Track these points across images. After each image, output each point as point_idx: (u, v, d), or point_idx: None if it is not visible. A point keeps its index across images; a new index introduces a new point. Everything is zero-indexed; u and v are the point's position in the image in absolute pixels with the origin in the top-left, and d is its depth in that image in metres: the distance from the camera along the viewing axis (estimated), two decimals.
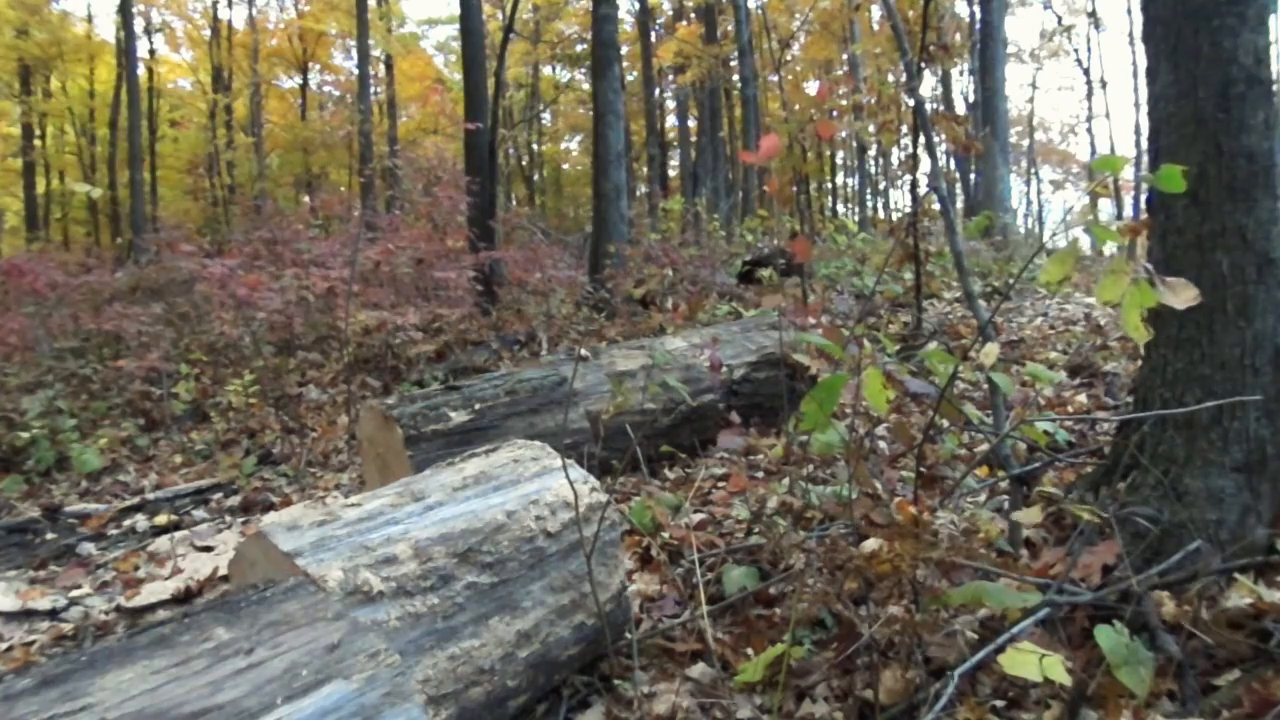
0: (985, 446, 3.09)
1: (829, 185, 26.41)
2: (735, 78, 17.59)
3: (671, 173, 24.41)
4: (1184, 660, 1.53)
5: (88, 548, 3.27)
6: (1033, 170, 26.75)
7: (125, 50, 16.03)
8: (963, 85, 21.05)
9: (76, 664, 1.09)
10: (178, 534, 3.21)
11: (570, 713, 1.80)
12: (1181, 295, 1.34)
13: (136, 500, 3.88)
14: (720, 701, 1.72)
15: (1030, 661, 1.29)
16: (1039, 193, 28.74)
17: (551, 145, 28.56)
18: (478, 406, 3.03)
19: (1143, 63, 2.13)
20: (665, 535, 2.48)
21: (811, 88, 21.99)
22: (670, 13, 21.91)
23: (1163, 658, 1.52)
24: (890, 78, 15.03)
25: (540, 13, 21.82)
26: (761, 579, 2.16)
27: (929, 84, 18.23)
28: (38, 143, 21.27)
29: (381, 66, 20.93)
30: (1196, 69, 1.94)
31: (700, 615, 1.87)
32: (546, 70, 26.42)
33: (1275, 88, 1.95)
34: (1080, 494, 2.17)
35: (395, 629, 1.44)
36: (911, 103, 4.04)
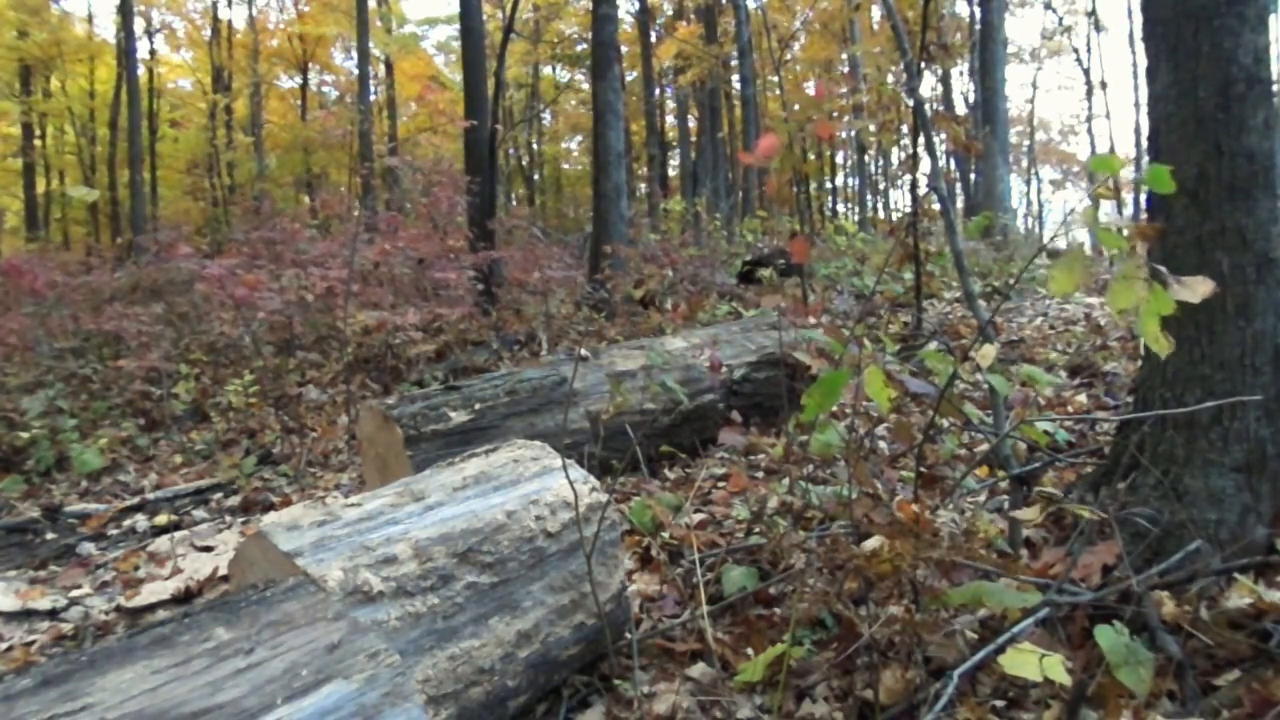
0: (985, 446, 3.09)
1: (829, 185, 26.42)
2: (735, 78, 17.60)
3: (671, 173, 24.41)
4: (1184, 660, 1.53)
5: (88, 548, 3.27)
6: (1033, 170, 26.75)
7: (125, 50, 16.03)
8: (963, 85, 21.07)
9: (76, 664, 1.09)
10: (178, 534, 3.21)
11: (570, 713, 1.80)
12: (1198, 291, 1.32)
13: (136, 500, 3.88)
14: (720, 701, 1.72)
15: (1030, 661, 1.29)
16: (1039, 193, 28.73)
17: (551, 145, 28.56)
18: (478, 406, 3.03)
19: (1143, 63, 2.12)
20: (665, 535, 2.48)
21: (811, 88, 22.00)
22: (670, 13, 21.90)
23: (1163, 658, 1.52)
24: (890, 78, 15.03)
25: (540, 13, 21.80)
26: (761, 579, 2.16)
27: (929, 84, 18.24)
28: (38, 143, 21.25)
29: (381, 67, 20.93)
30: (1196, 69, 1.94)
31: (700, 615, 1.87)
32: (546, 70, 26.42)
33: (1275, 88, 1.95)
34: (1080, 494, 2.17)
35: (395, 629, 1.44)
36: (911, 103, 4.04)
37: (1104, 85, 22.33)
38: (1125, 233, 1.42)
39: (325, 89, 25.33)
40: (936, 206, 3.99)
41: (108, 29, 25.03)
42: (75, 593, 2.74)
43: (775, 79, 18.16)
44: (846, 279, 7.36)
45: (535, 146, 27.45)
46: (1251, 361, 1.90)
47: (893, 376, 1.84)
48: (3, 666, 2.24)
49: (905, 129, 5.17)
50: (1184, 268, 1.88)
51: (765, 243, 9.74)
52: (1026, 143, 25.92)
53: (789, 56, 20.82)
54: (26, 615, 2.54)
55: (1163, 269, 1.35)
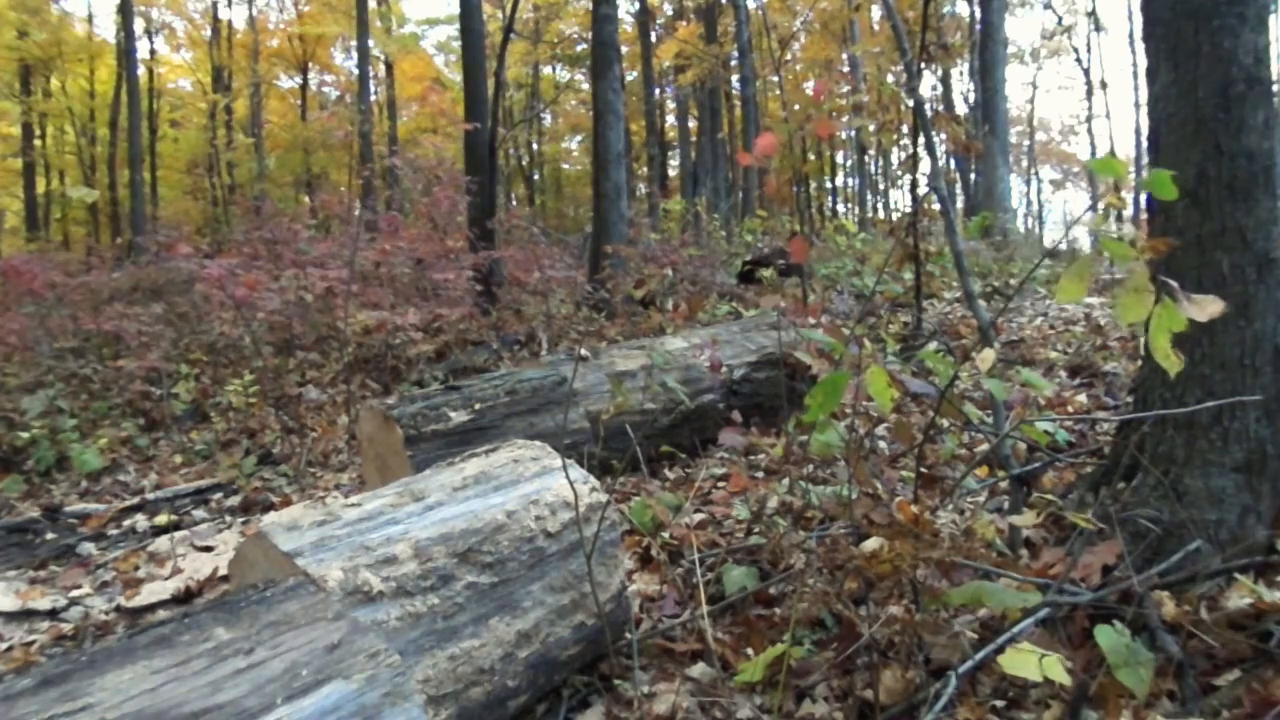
0: (985, 446, 3.09)
1: (829, 185, 26.43)
2: (735, 78, 17.61)
3: (671, 173, 24.42)
4: (1184, 660, 1.53)
5: (88, 548, 3.27)
6: (1033, 170, 26.78)
7: (125, 51, 16.02)
8: (963, 85, 21.09)
9: (76, 664, 1.09)
10: (178, 534, 3.21)
11: (570, 713, 1.80)
12: (1207, 309, 1.31)
13: (136, 500, 3.88)
14: (720, 701, 1.72)
15: (1030, 661, 1.29)
16: (1039, 193, 28.78)
17: (551, 145, 28.56)
18: (478, 406, 3.03)
19: (1143, 63, 2.12)
20: (665, 535, 2.48)
21: (811, 88, 21.99)
22: (670, 13, 21.91)
23: (1163, 658, 1.52)
24: (890, 78, 15.04)
25: (540, 13, 21.81)
26: (761, 579, 2.16)
27: (929, 84, 18.25)
28: (38, 143, 21.26)
29: (381, 67, 20.94)
30: (1196, 69, 1.94)
31: (700, 615, 1.87)
32: (546, 70, 26.43)
33: (1275, 88, 1.95)
34: (1080, 494, 2.17)
35: (395, 629, 1.44)
36: (911, 103, 4.04)
37: (1104, 85, 22.35)
38: (1133, 240, 1.41)
39: (325, 89, 25.36)
40: (936, 206, 3.99)
41: (108, 29, 25.08)
42: (75, 593, 2.74)
43: (775, 79, 18.17)
44: (846, 279, 7.35)
45: (535, 146, 27.46)
46: (1251, 361, 1.90)
47: (893, 377, 1.83)
48: (3, 666, 2.24)
49: (905, 129, 5.17)
50: (1184, 268, 1.89)
51: (765, 243, 9.74)
52: (1026, 143, 25.95)
53: (789, 56, 20.83)
54: (26, 615, 2.54)
55: (1173, 284, 1.33)
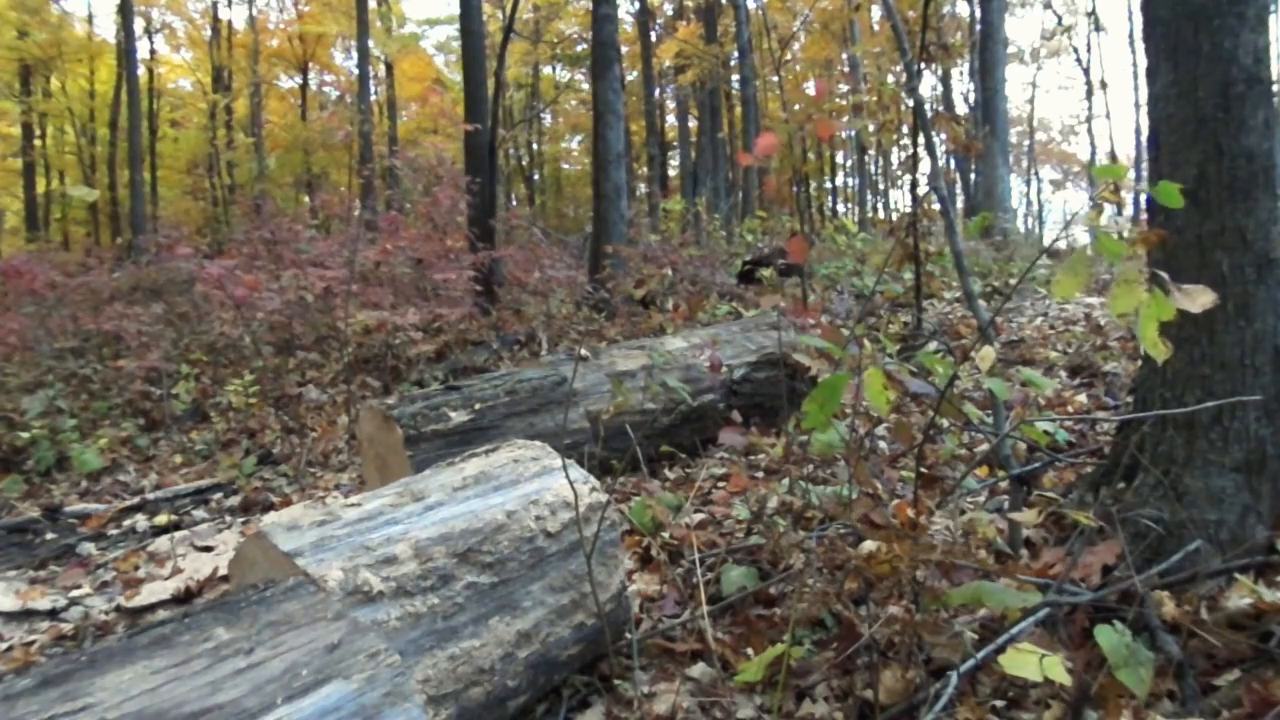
0: (985, 446, 3.09)
1: (829, 185, 26.43)
2: (735, 78, 17.61)
3: (671, 173, 24.42)
4: (1184, 660, 1.54)
5: (88, 548, 3.27)
6: (1033, 170, 26.78)
7: (125, 50, 16.00)
8: (963, 85, 21.09)
9: (76, 664, 1.09)
10: (178, 534, 3.21)
11: (570, 713, 1.80)
12: (1198, 300, 1.31)
13: (136, 500, 3.88)
14: (720, 701, 1.72)
15: (1030, 661, 1.29)
16: (1039, 193, 28.80)
17: (552, 145, 28.56)
18: (478, 406, 3.03)
19: (1143, 63, 2.13)
20: (665, 535, 2.48)
21: (811, 88, 22.01)
22: (670, 13, 21.91)
23: (1163, 658, 1.52)
24: (890, 78, 15.04)
25: (540, 13, 21.81)
26: (761, 579, 2.16)
27: (929, 84, 18.27)
28: (38, 143, 21.24)
29: (381, 67, 20.93)
30: (1196, 69, 1.94)
31: (700, 615, 1.87)
32: (546, 70, 26.42)
33: (1275, 88, 1.95)
34: (1080, 494, 2.17)
35: (395, 629, 1.44)
36: (911, 103, 4.04)
37: (1104, 85, 22.34)
38: (1128, 236, 1.42)
39: (325, 89, 25.33)
40: (936, 206, 4.00)
41: (108, 29, 25.10)
42: (75, 593, 2.74)
43: (775, 79, 18.17)
44: (846, 279, 7.35)
45: (535, 146, 27.45)
46: (1251, 361, 1.90)
47: (893, 377, 1.83)
48: (3, 666, 2.24)
49: (905, 129, 5.17)
50: (1184, 268, 1.89)
51: (765, 243, 9.73)
52: (1026, 143, 25.95)
53: (789, 56, 20.83)
54: (26, 615, 2.54)
55: (1164, 275, 1.34)
